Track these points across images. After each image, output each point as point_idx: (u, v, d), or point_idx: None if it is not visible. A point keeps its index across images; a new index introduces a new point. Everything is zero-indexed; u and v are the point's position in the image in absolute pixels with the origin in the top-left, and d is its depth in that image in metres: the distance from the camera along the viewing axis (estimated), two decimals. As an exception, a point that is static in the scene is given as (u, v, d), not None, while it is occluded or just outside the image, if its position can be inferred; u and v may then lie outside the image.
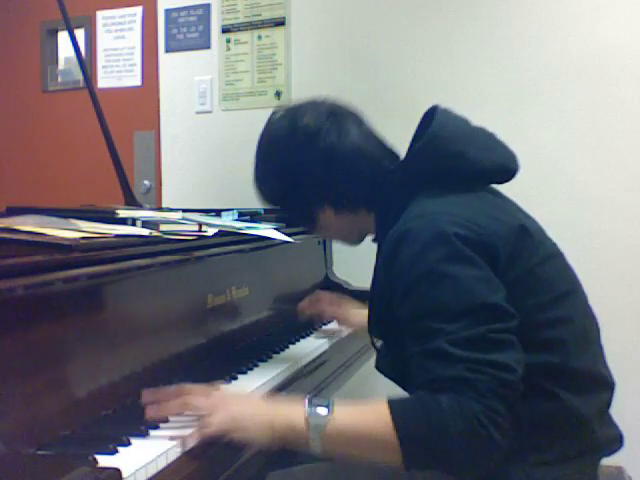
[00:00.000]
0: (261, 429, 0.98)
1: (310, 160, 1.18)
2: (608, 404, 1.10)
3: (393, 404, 0.95)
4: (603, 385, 1.10)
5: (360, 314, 1.56)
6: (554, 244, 1.15)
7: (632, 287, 2.02)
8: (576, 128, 2.09)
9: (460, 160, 1.10)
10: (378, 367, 1.21)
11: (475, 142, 1.12)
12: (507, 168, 1.15)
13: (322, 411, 0.97)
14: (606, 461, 1.11)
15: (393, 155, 1.23)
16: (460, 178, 1.11)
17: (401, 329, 1.02)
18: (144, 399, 1.04)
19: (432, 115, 1.15)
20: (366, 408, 0.99)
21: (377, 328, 1.19)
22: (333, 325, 1.70)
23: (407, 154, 1.17)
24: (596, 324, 1.14)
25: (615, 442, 1.10)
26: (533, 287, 1.04)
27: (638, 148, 2.05)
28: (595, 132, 2.08)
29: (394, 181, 1.16)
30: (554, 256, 1.12)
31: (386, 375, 1.18)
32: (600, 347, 1.13)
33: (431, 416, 0.91)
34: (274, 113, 1.28)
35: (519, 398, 0.95)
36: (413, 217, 1.06)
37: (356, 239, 1.30)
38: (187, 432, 0.97)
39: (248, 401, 1.05)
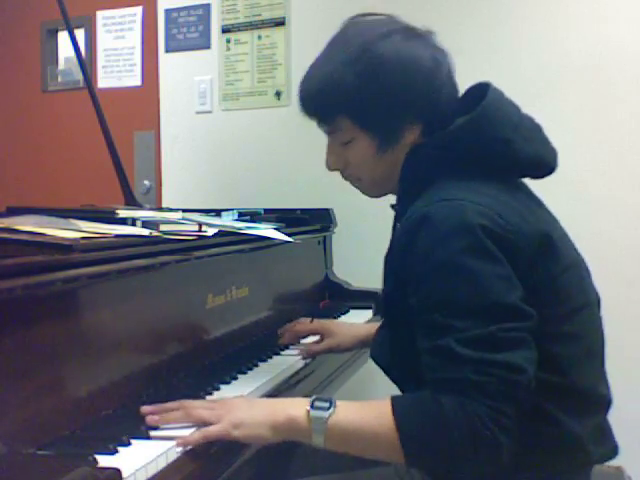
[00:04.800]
0: (263, 426, 0.97)
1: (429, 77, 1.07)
2: (604, 419, 1.08)
3: (396, 403, 0.95)
4: (602, 405, 1.07)
5: (349, 336, 1.47)
6: (576, 250, 1.10)
7: (632, 287, 2.02)
8: (576, 128, 2.09)
9: (504, 147, 1.04)
10: (372, 355, 1.17)
11: (522, 131, 1.06)
12: (547, 163, 1.10)
13: (324, 405, 0.96)
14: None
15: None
16: (498, 165, 1.05)
17: (410, 315, 0.99)
18: (143, 411, 1.01)
19: (481, 92, 1.08)
20: (369, 405, 0.98)
21: (384, 307, 1.13)
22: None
23: (448, 127, 1.06)
24: (602, 338, 1.10)
25: (609, 454, 1.07)
26: (550, 298, 1.00)
27: (638, 148, 2.05)
28: (595, 132, 2.08)
29: (428, 149, 1.07)
30: (574, 266, 1.07)
31: (379, 363, 1.14)
32: (603, 362, 1.09)
33: (434, 418, 0.90)
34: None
35: (530, 396, 0.92)
36: (439, 200, 0.99)
37: (387, 190, 1.18)
38: (187, 432, 0.97)
39: (250, 403, 1.04)
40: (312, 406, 0.97)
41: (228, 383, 1.21)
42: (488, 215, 0.96)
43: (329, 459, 1.25)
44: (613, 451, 1.08)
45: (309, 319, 1.55)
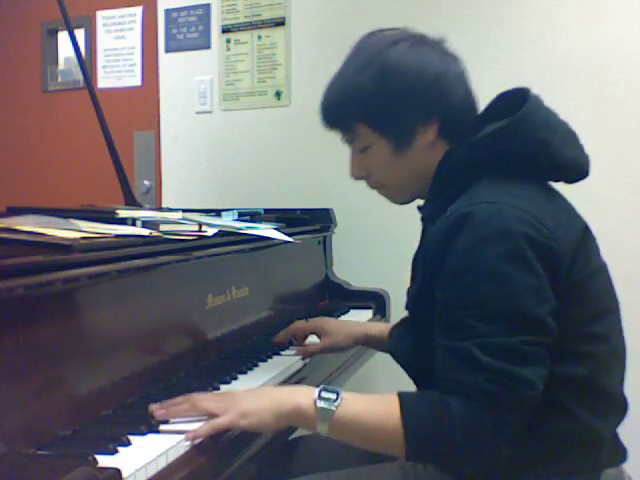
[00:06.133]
0: (269, 415, 0.98)
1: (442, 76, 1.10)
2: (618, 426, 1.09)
3: (404, 398, 0.96)
4: (621, 408, 1.09)
5: (345, 335, 1.46)
6: (601, 257, 1.12)
7: (632, 287, 2.02)
8: (576, 128, 2.09)
9: (543, 148, 1.06)
10: (391, 350, 1.19)
11: (560, 135, 1.08)
12: (582, 167, 1.12)
13: (331, 397, 0.97)
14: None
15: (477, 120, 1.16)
16: (537, 167, 1.07)
17: (436, 312, 1.00)
18: (151, 408, 1.02)
19: (518, 96, 1.10)
20: (376, 398, 1.00)
21: (412, 305, 1.15)
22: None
23: (487, 133, 1.09)
24: (624, 344, 1.11)
25: (620, 458, 1.08)
26: (579, 299, 1.01)
27: (638, 148, 2.05)
28: (595, 132, 2.08)
29: (465, 151, 1.09)
30: (602, 271, 1.09)
31: (398, 359, 1.16)
32: (624, 369, 1.10)
33: (440, 418, 0.92)
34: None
35: (534, 413, 0.95)
36: (482, 201, 1.00)
37: (413, 195, 1.20)
38: (190, 427, 0.97)
39: (255, 392, 1.04)
40: (319, 396, 0.97)
41: (228, 383, 1.21)
42: (530, 222, 0.97)
43: (334, 455, 1.26)
44: (624, 454, 1.09)
45: (304, 320, 1.53)
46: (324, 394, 0.98)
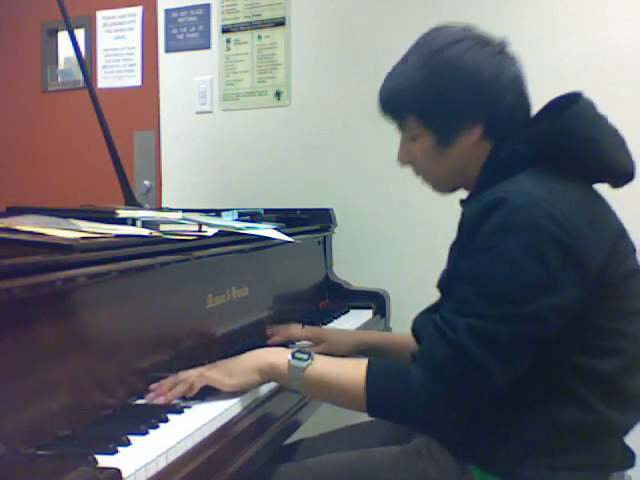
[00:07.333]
0: (251, 372, 1.13)
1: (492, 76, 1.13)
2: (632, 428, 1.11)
3: (371, 361, 1.07)
4: (638, 409, 1.10)
5: (342, 343, 1.49)
6: (637, 261, 1.13)
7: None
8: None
9: (591, 146, 1.08)
10: (413, 327, 1.28)
11: (608, 136, 1.11)
12: (627, 170, 1.14)
13: (304, 356, 1.11)
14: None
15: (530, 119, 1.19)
16: (583, 165, 1.10)
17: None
18: (148, 399, 1.11)
19: (573, 100, 1.13)
20: (347, 360, 1.15)
21: (443, 281, 1.19)
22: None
23: (538, 127, 1.13)
24: None
25: (628, 461, 1.10)
26: (612, 296, 1.04)
27: (638, 148, 2.05)
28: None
29: (515, 144, 1.12)
30: (636, 273, 1.11)
31: (417, 334, 1.25)
32: None
33: (398, 382, 1.03)
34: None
35: (548, 401, 1.01)
36: (519, 190, 1.03)
37: (453, 186, 1.24)
38: (188, 432, 0.97)
39: (236, 358, 1.17)
40: (293, 356, 1.11)
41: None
42: (557, 219, 1.00)
43: (338, 442, 1.35)
44: (632, 459, 1.11)
45: (300, 325, 1.54)
46: (298, 354, 1.11)
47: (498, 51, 1.16)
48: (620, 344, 1.04)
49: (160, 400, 1.09)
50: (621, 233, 1.10)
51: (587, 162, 1.09)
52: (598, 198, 1.14)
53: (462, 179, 1.21)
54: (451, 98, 1.14)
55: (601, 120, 1.13)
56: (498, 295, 0.98)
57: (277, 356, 1.14)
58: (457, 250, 1.13)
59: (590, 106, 1.14)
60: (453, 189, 1.25)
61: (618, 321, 1.04)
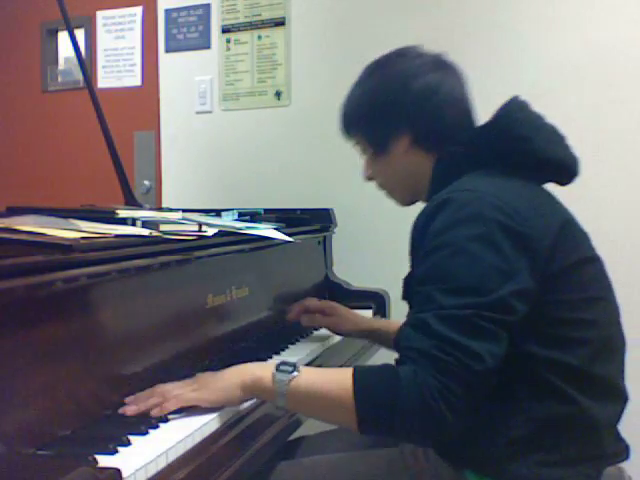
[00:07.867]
0: (234, 388, 1.07)
1: (412, 87, 1.19)
2: (619, 418, 1.10)
3: (357, 370, 1.00)
4: (620, 397, 1.10)
5: (351, 321, 1.57)
6: (594, 250, 1.14)
7: (632, 287, 2.02)
8: (576, 128, 2.08)
9: (525, 145, 1.11)
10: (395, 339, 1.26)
11: (543, 134, 1.13)
12: (567, 167, 1.15)
13: (288, 368, 1.04)
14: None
15: (472, 127, 1.23)
16: (520, 163, 1.11)
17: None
18: (124, 411, 1.05)
19: (508, 101, 1.17)
20: (332, 370, 1.07)
21: (405, 290, 1.20)
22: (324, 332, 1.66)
23: (475, 132, 1.19)
24: (623, 337, 1.14)
25: (622, 454, 1.10)
26: (566, 285, 1.04)
27: (638, 148, 2.05)
28: (595, 132, 2.08)
29: (455, 148, 1.16)
30: (592, 261, 1.12)
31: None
32: (623, 361, 1.13)
33: (389, 387, 0.95)
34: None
35: (531, 395, 0.99)
36: (462, 189, 1.07)
37: (408, 195, 1.29)
38: (188, 432, 0.97)
39: (220, 372, 1.11)
40: (277, 369, 1.05)
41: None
42: (504, 210, 1.01)
43: (338, 442, 1.33)
44: (626, 451, 1.10)
45: (314, 300, 1.63)
46: (282, 367, 1.05)
47: (435, 65, 1.21)
48: (586, 333, 1.04)
49: (131, 409, 1.03)
50: (569, 219, 1.11)
51: (524, 160, 1.11)
52: (542, 190, 1.16)
53: (414, 190, 1.25)
54: (379, 108, 1.21)
55: (535, 118, 1.15)
56: (461, 289, 0.97)
57: (262, 370, 1.08)
58: (411, 258, 1.14)
59: (523, 106, 1.15)
60: (411, 201, 1.30)
61: (579, 310, 1.05)
